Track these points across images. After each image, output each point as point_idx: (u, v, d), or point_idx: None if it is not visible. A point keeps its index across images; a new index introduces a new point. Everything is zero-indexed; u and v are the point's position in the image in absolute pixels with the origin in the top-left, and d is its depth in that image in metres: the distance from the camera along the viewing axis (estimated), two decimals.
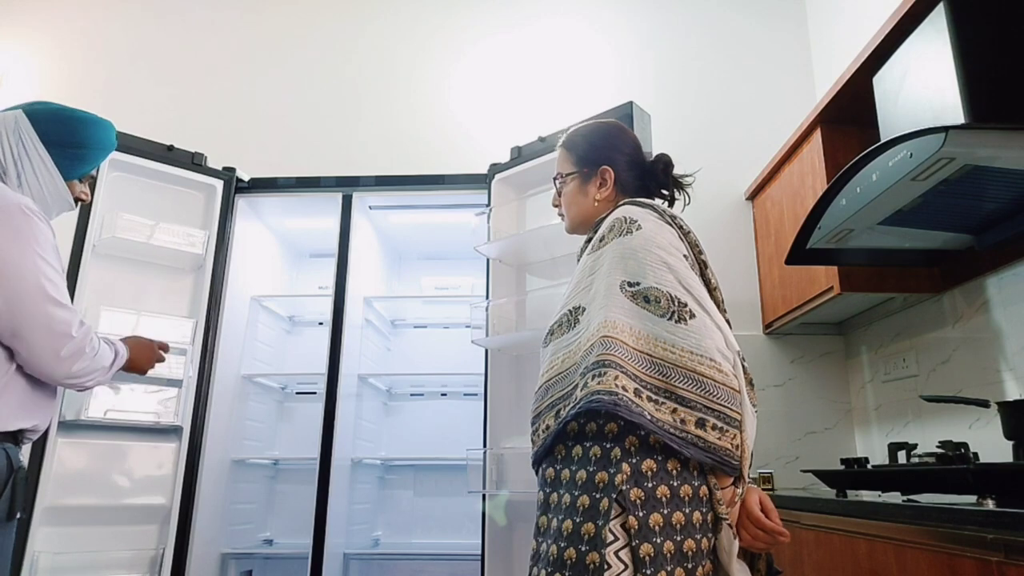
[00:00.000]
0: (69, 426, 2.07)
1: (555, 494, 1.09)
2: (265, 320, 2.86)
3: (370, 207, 2.68)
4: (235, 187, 2.54)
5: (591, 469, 1.05)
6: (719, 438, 1.01)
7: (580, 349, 1.11)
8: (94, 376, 1.42)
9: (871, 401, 2.49)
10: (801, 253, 1.93)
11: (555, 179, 1.41)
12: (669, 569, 0.97)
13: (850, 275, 2.08)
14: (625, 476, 1.01)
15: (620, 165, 1.34)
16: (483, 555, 2.10)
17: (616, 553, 0.96)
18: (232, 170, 2.55)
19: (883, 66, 1.81)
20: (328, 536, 2.23)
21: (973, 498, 1.23)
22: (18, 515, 1.33)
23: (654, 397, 1.03)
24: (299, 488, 2.76)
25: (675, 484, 1.02)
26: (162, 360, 1.67)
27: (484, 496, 2.14)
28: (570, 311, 1.19)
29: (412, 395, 3.03)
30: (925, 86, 1.63)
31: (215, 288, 2.40)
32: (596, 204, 1.34)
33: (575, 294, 1.20)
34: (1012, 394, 1.77)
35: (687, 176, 1.37)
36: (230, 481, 2.54)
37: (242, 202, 2.59)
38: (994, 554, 1.04)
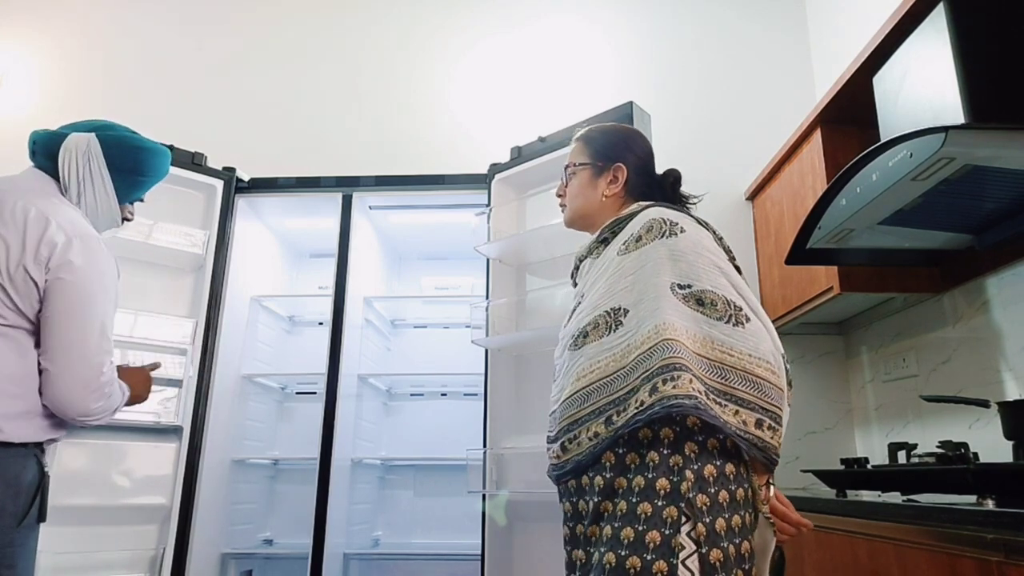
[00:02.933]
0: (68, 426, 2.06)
1: (607, 503, 1.05)
2: (265, 320, 2.86)
3: (370, 207, 2.68)
4: (235, 187, 2.54)
5: (650, 476, 1.02)
6: (772, 437, 1.03)
7: (631, 352, 1.08)
8: (103, 416, 1.44)
9: (871, 401, 2.49)
10: (801, 253, 1.93)
11: (565, 168, 1.40)
12: (734, 573, 0.98)
13: (850, 275, 2.08)
14: (690, 483, 1.00)
15: (632, 166, 1.34)
16: (483, 555, 2.10)
17: (684, 562, 0.96)
18: (232, 170, 2.55)
19: (883, 66, 1.81)
20: (328, 536, 2.23)
21: (973, 498, 1.23)
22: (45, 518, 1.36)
23: (718, 400, 1.02)
24: (299, 488, 2.76)
25: (732, 488, 1.03)
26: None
27: (484, 496, 2.14)
28: (608, 312, 1.14)
29: (412, 395, 3.03)
30: (925, 86, 1.63)
31: (215, 288, 2.40)
32: (603, 200, 1.33)
33: (612, 294, 1.16)
34: (1012, 394, 1.77)
35: (694, 197, 1.37)
36: (230, 481, 2.54)
37: (242, 202, 2.59)
38: (994, 554, 1.04)
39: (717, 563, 0.96)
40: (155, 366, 1.70)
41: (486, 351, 2.29)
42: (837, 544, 1.51)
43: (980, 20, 1.55)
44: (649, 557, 0.96)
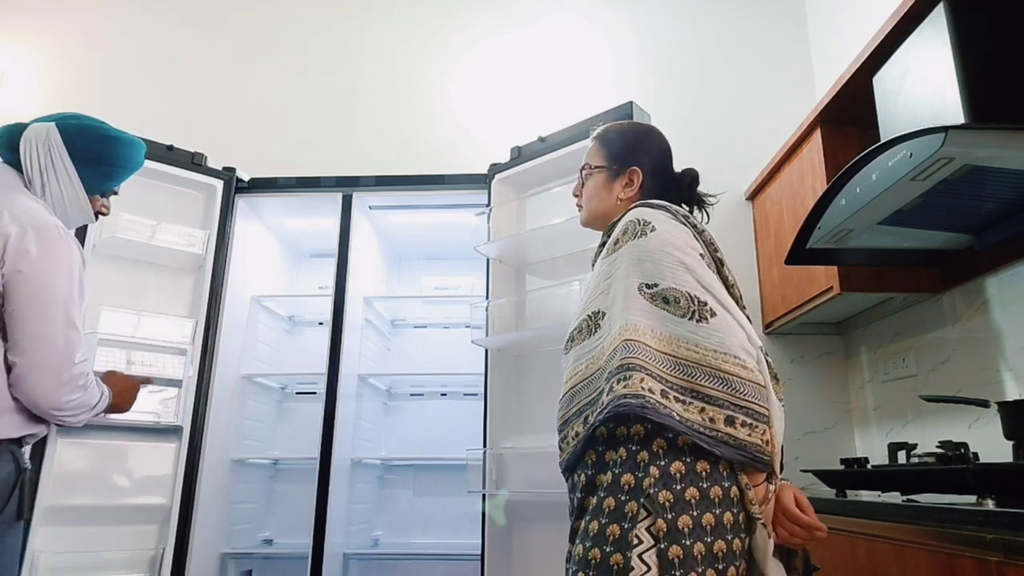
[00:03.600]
0: (69, 426, 2.07)
1: (591, 498, 1.09)
2: (265, 320, 2.86)
3: (370, 207, 2.68)
4: (235, 187, 2.54)
5: (617, 472, 1.05)
6: (749, 434, 1.01)
7: (603, 354, 1.11)
8: (79, 413, 1.40)
9: (871, 401, 2.49)
10: (801, 253, 1.93)
11: (582, 169, 1.40)
12: (700, 571, 0.97)
13: (850, 275, 2.08)
14: (653, 479, 1.01)
15: (648, 169, 1.34)
16: (483, 555, 2.10)
17: (641, 556, 0.96)
18: (232, 170, 2.55)
19: (883, 66, 1.81)
20: (328, 536, 2.23)
21: (973, 498, 1.23)
22: (25, 515, 1.34)
23: (681, 397, 1.02)
24: (299, 488, 2.76)
25: (704, 486, 1.02)
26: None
27: (484, 496, 2.14)
28: (589, 316, 1.18)
29: (412, 395, 3.03)
30: (925, 86, 1.63)
31: (215, 288, 2.40)
32: (618, 203, 1.34)
33: (593, 299, 1.20)
34: (1012, 394, 1.77)
35: (710, 196, 1.38)
36: (230, 481, 2.54)
37: (242, 202, 2.59)
38: (994, 554, 1.04)
39: (676, 559, 0.96)
40: (148, 380, 1.68)
41: (486, 351, 2.29)
42: (837, 544, 1.51)
43: (980, 20, 1.55)
44: (608, 549, 0.99)
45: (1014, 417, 1.58)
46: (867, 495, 1.63)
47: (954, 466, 1.36)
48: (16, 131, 1.47)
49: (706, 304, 1.07)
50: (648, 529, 0.98)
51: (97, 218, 1.59)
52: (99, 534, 2.10)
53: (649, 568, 0.96)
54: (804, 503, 1.09)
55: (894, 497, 1.50)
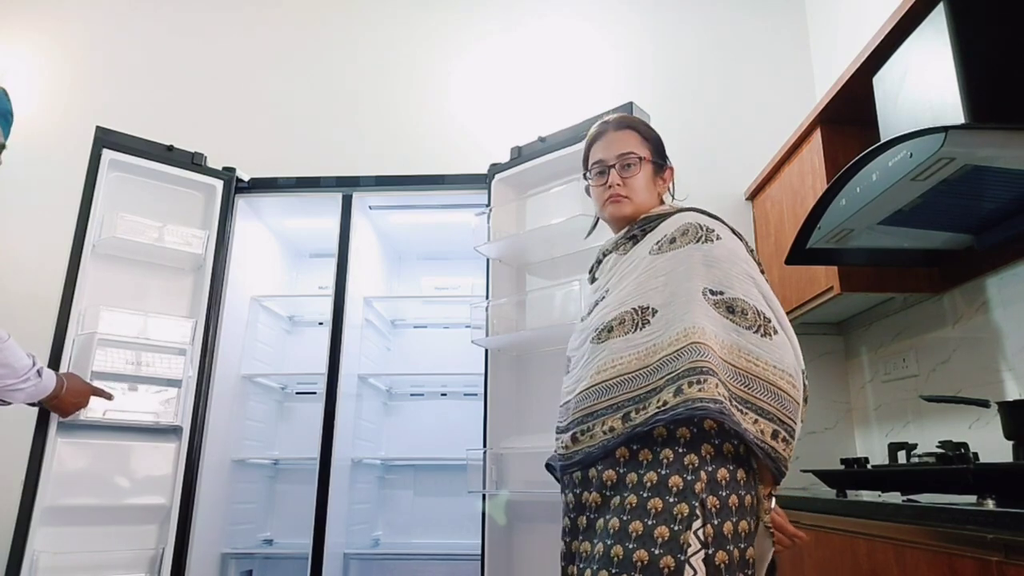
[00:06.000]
0: (68, 426, 2.06)
1: (617, 497, 1.06)
2: (265, 320, 2.86)
3: (370, 207, 2.68)
4: (235, 187, 2.54)
5: (663, 472, 1.03)
6: (784, 449, 1.05)
7: (656, 352, 1.08)
8: (5, 380, 1.32)
9: (871, 401, 2.49)
10: (801, 253, 1.93)
11: (624, 155, 1.30)
12: None
13: (850, 275, 2.08)
14: (703, 484, 1.01)
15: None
16: (483, 555, 2.10)
17: (690, 559, 0.97)
18: (232, 170, 2.55)
19: (883, 66, 1.81)
20: (328, 536, 2.23)
21: (973, 498, 1.23)
22: None
23: (740, 407, 1.03)
24: (299, 488, 2.76)
25: (742, 494, 1.04)
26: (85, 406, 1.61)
27: (484, 496, 2.14)
28: (636, 309, 1.14)
29: (412, 395, 3.03)
30: (925, 86, 1.63)
31: (215, 288, 2.40)
32: (657, 199, 1.33)
33: (641, 292, 1.16)
34: (1012, 394, 1.77)
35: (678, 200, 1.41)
36: (230, 481, 2.54)
37: (242, 202, 2.59)
38: (994, 554, 1.04)
39: (722, 565, 0.97)
40: (108, 396, 1.65)
41: (486, 351, 2.29)
42: (837, 544, 1.51)
43: (980, 20, 1.55)
44: (656, 552, 0.97)
45: (1014, 417, 1.58)
46: (867, 495, 1.63)
47: (954, 466, 1.36)
48: None
49: (770, 321, 1.09)
50: (696, 533, 0.98)
51: None
52: (99, 534, 2.09)
53: (696, 572, 0.96)
54: (781, 512, 1.15)
55: (894, 497, 1.50)
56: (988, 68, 1.51)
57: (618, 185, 1.30)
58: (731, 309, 1.08)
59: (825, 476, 1.77)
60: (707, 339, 1.04)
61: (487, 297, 2.33)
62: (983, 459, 1.61)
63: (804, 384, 1.11)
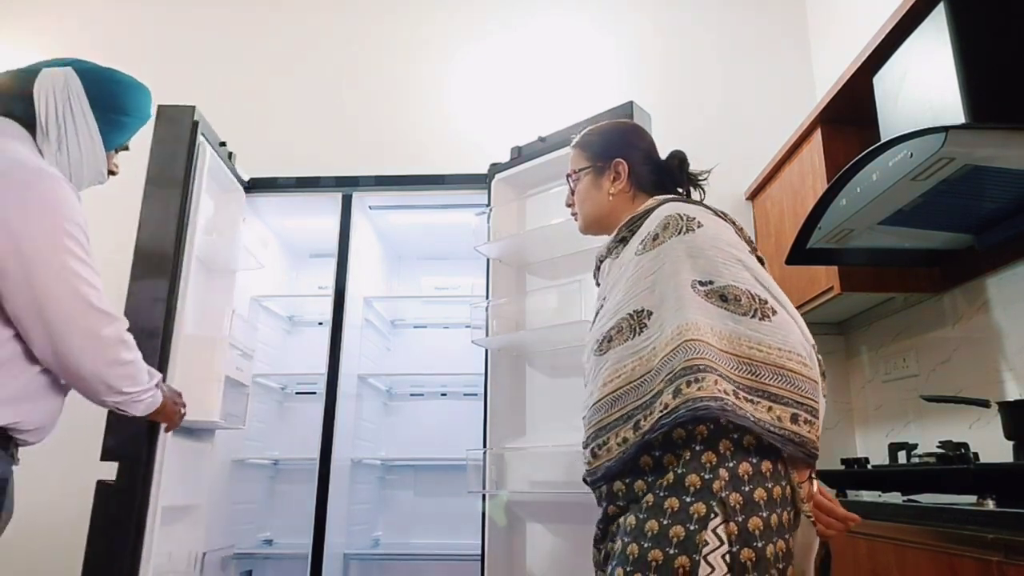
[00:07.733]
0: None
1: (645, 497, 1.04)
2: (265, 320, 2.86)
3: (370, 207, 2.68)
4: None
5: (680, 471, 1.01)
6: (809, 431, 1.00)
7: (656, 354, 1.05)
8: (131, 388, 1.23)
9: (871, 401, 2.49)
10: (801, 253, 1.93)
11: (568, 177, 1.39)
12: (772, 573, 0.96)
13: (850, 275, 2.08)
14: (723, 482, 0.98)
15: (635, 159, 1.33)
16: (483, 555, 2.09)
17: (707, 557, 0.94)
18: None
19: (883, 66, 1.81)
20: (328, 536, 2.23)
21: (973, 498, 1.23)
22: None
23: (749, 397, 1.00)
24: (299, 488, 2.76)
25: (769, 486, 1.00)
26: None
27: (484, 496, 2.14)
28: (631, 315, 1.12)
29: (412, 395, 3.03)
30: (925, 86, 1.63)
31: None
32: (611, 199, 1.32)
33: (633, 296, 1.14)
34: (1012, 394, 1.77)
35: (703, 173, 1.36)
36: (230, 481, 2.54)
37: None
38: (994, 554, 1.04)
39: (748, 562, 0.94)
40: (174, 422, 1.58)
41: (486, 351, 2.29)
42: (837, 544, 1.51)
43: (980, 20, 1.55)
44: (671, 551, 0.95)
45: (1014, 417, 1.58)
46: (868, 495, 1.64)
47: (955, 466, 1.36)
48: (25, 76, 1.29)
49: (767, 302, 1.05)
50: (716, 531, 0.95)
51: (108, 178, 1.42)
52: None
53: (713, 569, 0.93)
54: (830, 495, 1.09)
55: (895, 497, 1.50)
56: (988, 68, 1.51)
57: (570, 205, 1.41)
58: (724, 297, 1.05)
59: (825, 476, 1.76)
60: (702, 334, 1.02)
61: (487, 297, 2.33)
62: (983, 459, 1.61)
63: (819, 359, 1.07)
